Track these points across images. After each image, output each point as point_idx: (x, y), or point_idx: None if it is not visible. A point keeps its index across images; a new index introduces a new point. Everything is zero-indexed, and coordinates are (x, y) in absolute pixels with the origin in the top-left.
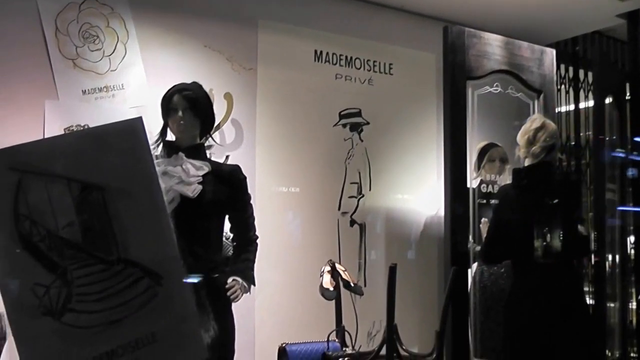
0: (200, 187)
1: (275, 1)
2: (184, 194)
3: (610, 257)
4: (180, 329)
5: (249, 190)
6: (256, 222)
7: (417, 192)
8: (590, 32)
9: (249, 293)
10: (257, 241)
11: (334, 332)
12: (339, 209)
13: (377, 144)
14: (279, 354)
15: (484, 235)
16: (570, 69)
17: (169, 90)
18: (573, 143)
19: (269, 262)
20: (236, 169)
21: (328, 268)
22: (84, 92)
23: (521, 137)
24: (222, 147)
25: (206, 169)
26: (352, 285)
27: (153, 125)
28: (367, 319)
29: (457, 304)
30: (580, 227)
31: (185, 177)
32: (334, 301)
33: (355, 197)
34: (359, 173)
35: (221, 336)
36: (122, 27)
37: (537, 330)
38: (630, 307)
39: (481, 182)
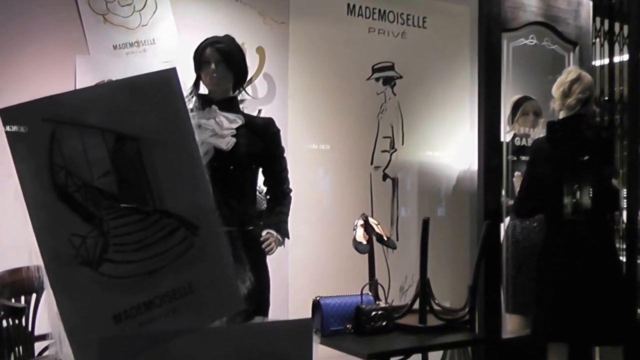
0: (234, 139)
1: None
2: (218, 146)
3: None
4: (217, 280)
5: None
6: (289, 177)
7: (450, 147)
8: None
9: (283, 246)
10: (291, 194)
11: (367, 286)
12: (371, 163)
13: (410, 98)
14: (313, 307)
15: (517, 189)
16: (606, 21)
17: (201, 43)
18: (607, 98)
19: (301, 217)
20: (270, 121)
21: (361, 222)
22: (114, 47)
23: (556, 90)
24: (255, 100)
25: (240, 121)
26: (385, 238)
27: (184, 80)
28: (400, 273)
29: (490, 258)
30: (614, 182)
31: (218, 130)
32: (366, 255)
33: (388, 152)
34: (392, 127)
35: (257, 288)
36: None
37: (568, 286)
38: None
39: (514, 135)
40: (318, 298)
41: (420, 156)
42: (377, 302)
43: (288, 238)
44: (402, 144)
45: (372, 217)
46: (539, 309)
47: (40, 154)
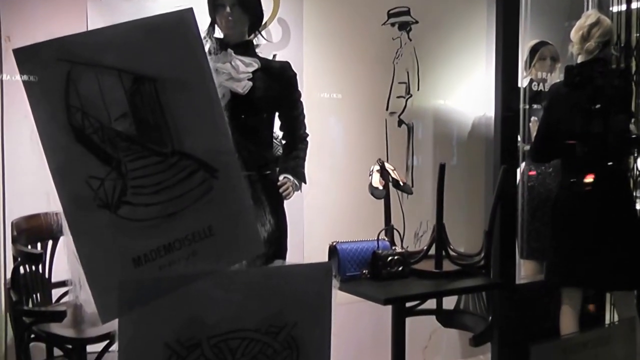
0: (250, 83)
1: None
2: (234, 90)
3: None
4: (236, 223)
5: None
6: (305, 122)
7: (466, 92)
8: None
9: (300, 191)
10: (308, 139)
11: (384, 231)
12: (386, 109)
13: (426, 43)
14: (329, 252)
15: (534, 134)
16: None
17: None
18: (623, 44)
19: (317, 163)
20: (286, 65)
21: (377, 167)
22: None
23: (575, 33)
24: (270, 44)
25: (255, 65)
26: (401, 184)
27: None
28: (414, 219)
29: (505, 204)
30: (631, 127)
31: (234, 74)
32: (382, 201)
33: (404, 97)
34: (407, 73)
35: (275, 232)
36: None
37: (583, 232)
38: None
39: (531, 80)
40: (335, 243)
41: (435, 102)
42: (394, 248)
43: (305, 183)
44: (418, 89)
45: (387, 161)
46: (554, 254)
47: (56, 95)
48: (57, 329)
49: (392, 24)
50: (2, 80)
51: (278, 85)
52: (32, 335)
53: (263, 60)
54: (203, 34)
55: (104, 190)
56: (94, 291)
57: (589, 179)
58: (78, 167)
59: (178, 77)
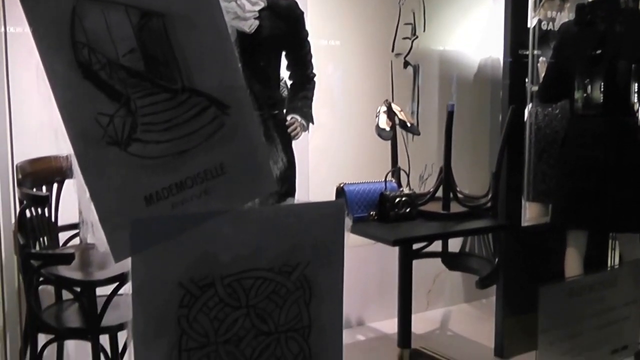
0: (257, 22)
1: None
2: (241, 29)
3: None
4: (249, 161)
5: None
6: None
7: (472, 33)
8: None
9: (307, 132)
10: (315, 79)
11: (391, 173)
12: (392, 50)
13: None
14: (336, 194)
15: (542, 75)
16: None
17: None
18: None
19: (322, 104)
20: (293, 4)
21: (384, 108)
22: None
23: None
24: None
25: (262, 4)
26: (408, 125)
27: None
28: (419, 162)
29: (513, 145)
30: None
31: (240, 13)
32: (387, 143)
33: (409, 39)
34: (413, 13)
35: (288, 170)
36: None
37: (590, 174)
38: None
39: (539, 20)
40: (342, 185)
41: (442, 43)
42: (401, 189)
43: (312, 123)
44: (424, 30)
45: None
46: (560, 196)
47: (61, 31)
48: (65, 271)
49: None
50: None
51: (285, 24)
52: (41, 279)
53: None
54: None
55: (113, 127)
56: (105, 230)
57: (597, 123)
58: (86, 104)
59: (187, 12)
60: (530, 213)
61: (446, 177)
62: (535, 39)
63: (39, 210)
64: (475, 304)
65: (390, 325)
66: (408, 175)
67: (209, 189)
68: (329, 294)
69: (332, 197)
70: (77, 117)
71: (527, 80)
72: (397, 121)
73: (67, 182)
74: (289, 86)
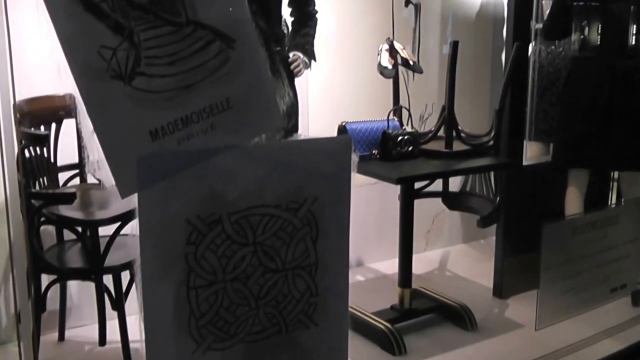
0: None
1: None
2: None
3: None
4: (255, 95)
5: None
6: None
7: None
8: None
9: (309, 69)
10: (317, 16)
11: (393, 111)
12: None
13: None
14: (338, 132)
15: (546, 12)
16: None
17: None
18: None
19: (321, 43)
20: None
21: (386, 46)
22: None
23: None
24: None
25: None
26: (411, 63)
27: None
28: (420, 101)
29: (516, 83)
30: None
31: None
32: (389, 82)
33: None
34: None
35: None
36: None
37: (593, 112)
38: None
39: None
40: (344, 123)
41: None
42: (403, 128)
43: (315, 61)
44: None
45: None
46: (562, 134)
47: None
48: (67, 211)
49: None
50: None
51: None
52: (42, 219)
53: None
54: None
55: (116, 61)
56: (111, 165)
57: (602, 59)
58: (88, 37)
59: None
60: (531, 152)
61: (449, 115)
62: None
63: (38, 150)
64: (473, 245)
65: (389, 266)
66: (410, 114)
67: (215, 124)
68: (335, 231)
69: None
70: (80, 51)
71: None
72: (399, 59)
73: (65, 122)
74: (290, 24)
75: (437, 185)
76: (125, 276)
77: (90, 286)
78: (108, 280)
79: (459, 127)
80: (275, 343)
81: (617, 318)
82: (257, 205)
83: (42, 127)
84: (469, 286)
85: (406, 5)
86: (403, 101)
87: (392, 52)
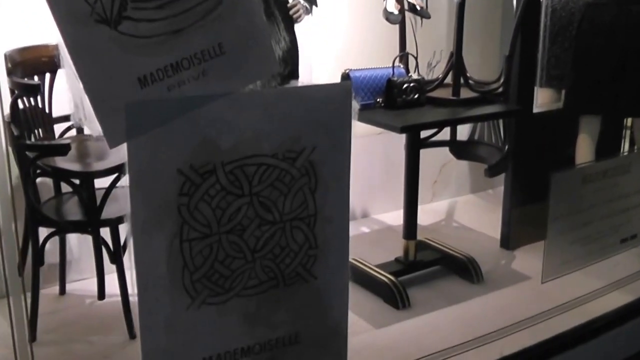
0: None
1: None
2: None
3: None
4: (248, 40)
5: None
6: None
7: None
8: None
9: (310, 15)
10: None
11: (399, 58)
12: None
13: None
14: (342, 80)
15: None
16: None
17: None
18: None
19: None
20: None
21: None
22: None
23: None
24: None
25: None
26: (418, 8)
27: None
28: (428, 49)
29: (527, 27)
30: None
31: None
32: (396, 28)
33: None
34: None
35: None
36: None
37: (605, 58)
38: None
39: None
40: (347, 71)
41: None
42: (409, 75)
43: (316, 6)
44: None
45: None
46: (574, 80)
47: None
48: (62, 163)
49: None
50: None
51: None
52: (38, 171)
53: None
54: None
55: (101, 4)
56: (98, 115)
57: (617, 10)
58: None
59: None
60: (542, 99)
61: (457, 61)
62: None
63: (32, 101)
64: (481, 195)
65: (395, 218)
66: (417, 60)
67: (207, 70)
68: (335, 181)
69: None
70: None
71: None
72: (405, 5)
73: (59, 72)
74: None
75: (445, 134)
76: (123, 229)
77: (90, 239)
78: (106, 233)
79: (467, 74)
80: (273, 297)
81: (627, 269)
82: (252, 154)
83: (35, 77)
84: (475, 237)
85: None
86: (410, 48)
87: None
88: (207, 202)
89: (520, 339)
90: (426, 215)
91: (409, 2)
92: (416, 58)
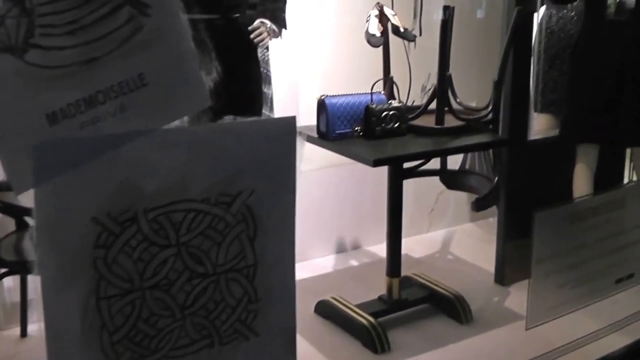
0: None
1: None
2: None
3: None
4: (174, 70)
5: None
6: None
7: None
8: None
9: (280, 37)
10: None
11: (382, 84)
12: None
13: None
14: (318, 107)
15: None
16: None
17: None
18: None
19: (309, 9)
20: None
21: (376, 12)
22: None
23: None
24: None
25: None
26: (401, 30)
27: None
28: (422, 71)
29: (519, 50)
30: None
31: None
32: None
33: None
34: None
35: (244, 85)
36: None
37: (604, 83)
38: None
39: None
40: (323, 97)
41: None
42: (390, 102)
43: (285, 28)
44: None
45: (392, 8)
46: (571, 106)
47: None
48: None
49: None
50: None
51: None
52: None
53: None
54: None
55: (5, 30)
56: (2, 156)
57: (615, 30)
58: None
59: None
60: (539, 125)
61: (440, 85)
62: None
63: None
64: (481, 224)
65: None
66: (396, 86)
67: (127, 105)
68: (278, 227)
69: None
70: None
71: None
72: (389, 26)
73: None
74: None
75: (435, 162)
76: None
77: None
78: None
79: (457, 100)
80: (207, 357)
81: (628, 308)
82: (179, 199)
83: None
84: (469, 271)
85: None
86: (403, 71)
87: (382, 18)
88: (127, 255)
89: None
90: (421, 246)
91: (392, 24)
92: (397, 86)
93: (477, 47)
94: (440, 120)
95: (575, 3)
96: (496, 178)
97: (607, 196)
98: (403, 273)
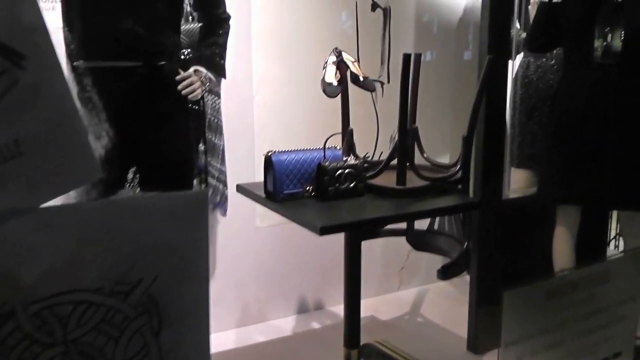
0: None
1: None
2: None
3: None
4: (57, 134)
5: None
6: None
7: None
8: None
9: (218, 88)
10: (229, 22)
11: (340, 138)
12: None
13: None
14: (265, 164)
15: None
16: None
17: None
18: None
19: (267, 55)
20: None
21: (333, 59)
22: None
23: None
24: None
25: None
26: (361, 78)
27: None
28: (391, 122)
29: (492, 102)
30: None
31: None
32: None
33: None
34: None
35: (167, 147)
36: None
37: (586, 138)
38: None
39: None
40: (269, 153)
41: None
42: (345, 158)
43: (224, 77)
44: None
45: (357, 55)
46: (550, 163)
47: None
48: None
49: None
50: None
51: None
52: None
53: None
54: None
55: None
56: None
57: (598, 78)
58: None
59: None
60: (516, 183)
61: (401, 142)
62: None
63: None
64: (455, 282)
65: None
66: (377, 135)
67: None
68: (187, 318)
69: None
70: None
71: (517, 25)
72: (348, 75)
73: None
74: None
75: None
76: None
77: None
78: None
79: (425, 155)
80: None
81: None
82: (67, 290)
83: None
84: (440, 337)
85: (373, 9)
86: (370, 121)
87: (341, 65)
88: (4, 356)
89: None
90: (390, 306)
91: (351, 72)
92: (377, 132)
93: (462, 91)
94: (401, 179)
95: (555, 51)
96: (466, 242)
97: (589, 269)
98: (368, 336)
